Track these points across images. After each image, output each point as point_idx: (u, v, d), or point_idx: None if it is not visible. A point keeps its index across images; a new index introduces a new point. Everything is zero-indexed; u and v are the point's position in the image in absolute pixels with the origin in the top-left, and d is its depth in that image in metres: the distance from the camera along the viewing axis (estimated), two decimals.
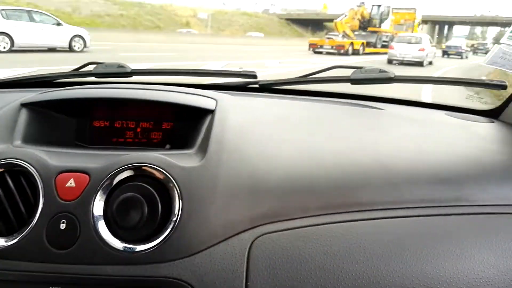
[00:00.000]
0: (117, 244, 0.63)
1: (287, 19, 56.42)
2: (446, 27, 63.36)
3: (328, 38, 22.73)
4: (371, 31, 24.78)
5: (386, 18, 25.48)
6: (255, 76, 1.17)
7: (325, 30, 48.67)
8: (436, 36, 59.42)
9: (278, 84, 1.19)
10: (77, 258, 0.63)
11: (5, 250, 0.64)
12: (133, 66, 1.21)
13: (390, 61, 17.36)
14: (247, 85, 1.22)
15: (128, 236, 0.64)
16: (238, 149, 0.73)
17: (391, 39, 21.97)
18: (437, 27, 57.86)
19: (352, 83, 1.11)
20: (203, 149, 0.72)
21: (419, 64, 17.11)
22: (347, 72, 1.12)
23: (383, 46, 22.16)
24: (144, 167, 0.66)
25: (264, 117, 0.91)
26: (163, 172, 0.65)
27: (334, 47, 21.36)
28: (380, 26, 25.28)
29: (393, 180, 0.73)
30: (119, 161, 0.67)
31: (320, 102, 1.15)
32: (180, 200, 0.64)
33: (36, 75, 1.23)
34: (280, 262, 0.63)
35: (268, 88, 1.20)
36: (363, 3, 25.80)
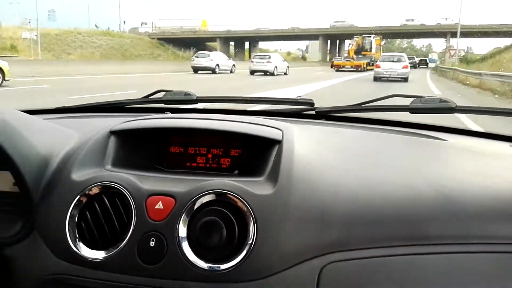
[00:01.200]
0: (199, 262, 0.69)
1: (160, 39, 49.42)
2: (337, 41, 63.96)
3: (347, 60, 35.95)
4: (364, 54, 37.69)
5: (371, 45, 39.23)
6: (312, 104, 1.23)
7: (214, 50, 44.47)
8: (328, 51, 60.25)
9: (335, 112, 1.22)
10: (164, 273, 0.70)
11: (101, 262, 0.72)
12: (198, 94, 1.31)
13: (376, 78, 20.18)
14: (303, 111, 1.26)
15: (207, 256, 0.70)
16: (306, 179, 0.77)
17: (375, 60, 30.46)
18: (328, 41, 59.07)
19: (411, 112, 1.11)
20: (273, 178, 0.76)
21: (404, 80, 19.92)
22: (406, 101, 1.14)
23: (373, 65, 28.78)
24: (223, 194, 0.72)
25: (326, 147, 0.94)
26: (240, 199, 0.71)
27: (353, 67, 34.33)
28: (370, 51, 38.86)
29: (459, 214, 0.74)
30: (201, 187, 0.74)
31: (378, 130, 1.16)
32: (255, 225, 0.70)
33: (111, 101, 1.36)
34: None
35: (324, 115, 1.24)
36: (357, 36, 39.77)
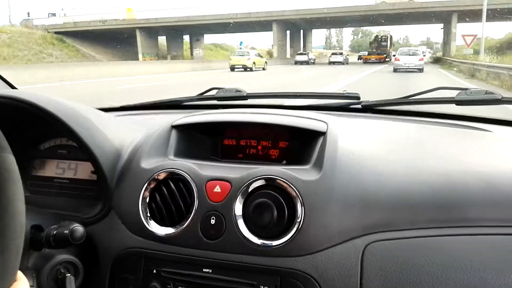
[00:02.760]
0: (254, 238, 0.78)
1: (60, 33, 35.79)
2: (302, 31, 51.68)
3: (371, 54, 45.54)
4: (383, 50, 45.54)
5: (388, 42, 47.46)
6: (358, 98, 1.27)
7: (136, 47, 35.30)
8: (288, 45, 46.87)
9: (381, 105, 1.26)
10: (223, 247, 0.80)
11: (169, 237, 0.83)
12: (248, 90, 1.40)
13: (395, 70, 22.92)
14: (349, 105, 1.31)
15: (261, 233, 0.79)
16: (349, 167, 0.83)
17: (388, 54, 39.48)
18: (288, 32, 46.79)
19: (457, 104, 1.14)
20: (319, 166, 0.84)
21: (420, 70, 22.56)
22: (451, 93, 1.16)
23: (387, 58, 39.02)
24: (273, 179, 0.81)
25: (371, 138, 0.99)
26: (288, 184, 0.80)
27: (378, 59, 42.66)
28: (387, 47, 46.46)
29: (499, 198, 0.77)
30: (254, 173, 0.83)
31: (423, 122, 1.19)
32: (302, 207, 0.78)
33: (169, 99, 1.49)
34: (391, 267, 0.72)
35: (370, 109, 1.28)
36: (377, 35, 50.31)
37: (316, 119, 0.97)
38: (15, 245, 0.53)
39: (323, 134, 0.90)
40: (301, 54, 41.47)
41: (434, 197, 0.78)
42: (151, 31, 40.83)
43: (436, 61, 39.45)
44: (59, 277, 0.81)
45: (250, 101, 1.41)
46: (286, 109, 1.12)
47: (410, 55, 24.17)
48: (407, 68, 22.79)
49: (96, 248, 0.90)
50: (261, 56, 30.34)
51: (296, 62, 38.64)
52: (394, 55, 32.18)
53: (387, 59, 42.62)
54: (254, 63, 26.52)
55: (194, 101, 1.46)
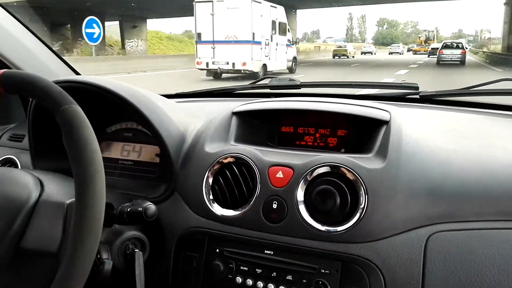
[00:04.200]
0: (315, 224, 0.80)
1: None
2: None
3: (421, 47, 55.19)
4: (429, 43, 53.40)
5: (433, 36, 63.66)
6: (417, 88, 1.25)
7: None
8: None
9: (440, 96, 1.24)
10: (284, 231, 0.82)
11: (232, 219, 0.86)
12: (302, 79, 1.41)
13: (439, 62, 24.68)
14: (406, 95, 1.28)
15: (322, 219, 0.80)
16: (414, 156, 0.82)
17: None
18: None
19: None
20: (382, 154, 0.83)
21: (462, 63, 24.18)
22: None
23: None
24: (337, 166, 0.81)
25: (433, 128, 0.97)
26: (352, 172, 0.80)
27: (425, 51, 46.33)
28: (432, 40, 59.39)
29: None
30: (317, 159, 0.84)
31: (484, 114, 1.16)
32: (366, 195, 0.78)
33: (222, 87, 1.53)
34: (455, 257, 0.72)
35: (429, 99, 1.25)
36: (425, 30, 69.56)
37: (378, 108, 0.96)
38: (99, 176, 0.64)
39: (386, 123, 0.90)
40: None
41: (500, 189, 0.77)
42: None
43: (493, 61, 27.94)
44: (127, 252, 0.85)
45: (303, 90, 1.41)
46: (342, 98, 1.12)
47: (453, 47, 25.69)
48: (450, 60, 24.28)
49: (161, 227, 0.94)
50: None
51: (408, 50, 58.56)
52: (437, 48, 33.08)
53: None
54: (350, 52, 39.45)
55: (247, 90, 1.48)
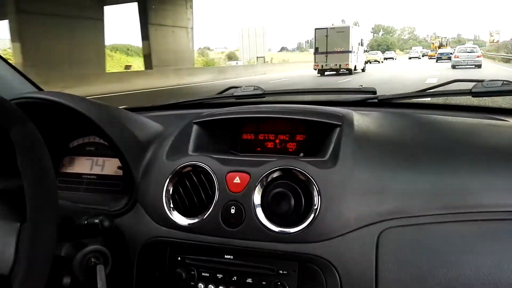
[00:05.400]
0: (272, 226, 0.82)
1: None
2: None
3: (435, 53, 50.30)
4: (443, 48, 50.79)
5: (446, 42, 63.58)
6: (374, 92, 1.28)
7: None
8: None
9: (397, 99, 1.27)
10: (243, 235, 0.84)
11: (192, 226, 0.88)
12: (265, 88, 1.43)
13: (454, 67, 24.63)
14: (366, 100, 1.31)
15: (279, 221, 0.83)
16: (365, 158, 0.86)
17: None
18: None
19: (473, 96, 1.14)
20: (335, 157, 0.87)
21: (478, 66, 24.15)
22: (467, 86, 1.15)
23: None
24: (290, 169, 0.85)
25: (388, 129, 1.01)
26: (305, 174, 0.83)
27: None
28: (445, 46, 58.17)
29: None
30: (271, 164, 0.87)
31: (439, 115, 1.19)
32: (319, 196, 0.81)
33: (189, 99, 1.52)
34: (406, 251, 0.75)
35: (387, 102, 1.28)
36: (438, 36, 72.93)
37: (331, 112, 1.00)
38: (51, 194, 0.65)
39: (339, 126, 0.93)
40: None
41: (449, 185, 0.80)
42: None
43: None
44: (89, 266, 0.85)
45: (267, 99, 1.44)
46: (303, 104, 1.15)
47: (468, 52, 25.62)
48: (466, 65, 24.07)
49: (123, 238, 0.95)
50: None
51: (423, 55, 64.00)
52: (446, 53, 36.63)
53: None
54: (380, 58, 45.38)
55: (212, 100, 1.51)
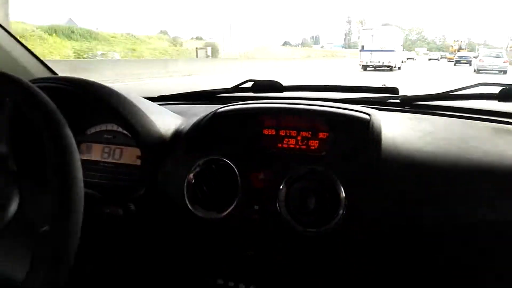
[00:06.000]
0: (296, 225, 0.81)
1: None
2: None
3: (454, 55, 47.28)
4: (462, 52, 51.36)
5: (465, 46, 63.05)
6: (397, 92, 1.27)
7: None
8: None
9: (419, 100, 1.25)
10: (266, 232, 0.83)
11: (214, 221, 0.87)
12: (284, 83, 1.40)
13: (478, 71, 22.67)
14: (387, 100, 1.29)
15: (303, 219, 0.81)
16: (393, 159, 0.84)
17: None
18: None
19: (499, 101, 1.11)
20: (362, 157, 0.85)
21: (504, 72, 22.32)
22: (493, 90, 1.12)
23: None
24: (318, 168, 0.83)
25: (413, 132, 0.99)
26: (331, 173, 0.82)
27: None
28: (465, 49, 58.37)
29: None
30: (299, 161, 0.86)
31: (464, 118, 1.17)
32: (345, 196, 0.80)
33: (205, 90, 1.51)
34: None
35: (409, 103, 1.26)
36: (458, 40, 72.41)
37: (358, 111, 0.98)
38: (79, 206, 0.62)
39: (366, 125, 0.91)
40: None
41: (472, 193, 0.79)
42: None
43: None
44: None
45: (286, 94, 1.42)
46: (323, 101, 1.14)
47: (494, 56, 24.28)
48: (491, 70, 22.72)
49: (139, 228, 0.94)
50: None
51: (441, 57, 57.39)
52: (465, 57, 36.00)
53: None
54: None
55: (229, 93, 1.48)
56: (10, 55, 1.29)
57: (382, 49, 25.62)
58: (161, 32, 45.93)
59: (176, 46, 32.06)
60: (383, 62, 25.61)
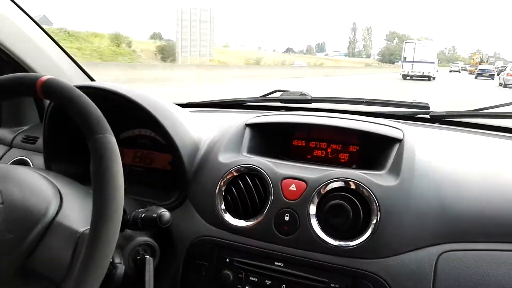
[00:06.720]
0: (327, 238, 0.81)
1: None
2: None
3: (475, 68, 48.34)
4: (484, 65, 50.68)
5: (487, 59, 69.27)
6: (427, 107, 1.25)
7: None
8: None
9: (450, 116, 1.24)
10: (296, 244, 0.83)
11: (244, 229, 0.87)
12: (313, 94, 1.41)
13: (505, 85, 22.40)
14: (417, 114, 1.29)
15: (334, 234, 0.81)
16: (427, 176, 0.84)
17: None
18: None
19: None
20: (395, 172, 0.85)
21: None
22: None
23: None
24: (351, 182, 0.83)
25: (445, 149, 0.99)
26: (365, 188, 0.81)
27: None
28: (485, 62, 61.39)
29: None
30: (330, 174, 0.85)
31: (495, 136, 1.16)
32: (378, 212, 0.79)
33: (234, 99, 1.53)
34: (464, 277, 0.73)
35: (439, 119, 1.26)
36: (479, 52, 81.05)
37: (391, 126, 0.98)
38: (118, 214, 0.62)
39: (399, 141, 0.91)
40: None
41: (511, 211, 0.78)
42: None
43: None
44: (138, 258, 0.85)
45: (314, 105, 1.42)
46: (353, 114, 1.13)
47: None
48: None
49: (171, 234, 0.95)
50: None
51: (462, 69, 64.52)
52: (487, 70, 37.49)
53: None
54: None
55: (257, 102, 1.50)
56: (52, 61, 1.35)
57: (422, 60, 29.98)
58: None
59: (118, 46, 24.88)
60: (423, 72, 29.82)
